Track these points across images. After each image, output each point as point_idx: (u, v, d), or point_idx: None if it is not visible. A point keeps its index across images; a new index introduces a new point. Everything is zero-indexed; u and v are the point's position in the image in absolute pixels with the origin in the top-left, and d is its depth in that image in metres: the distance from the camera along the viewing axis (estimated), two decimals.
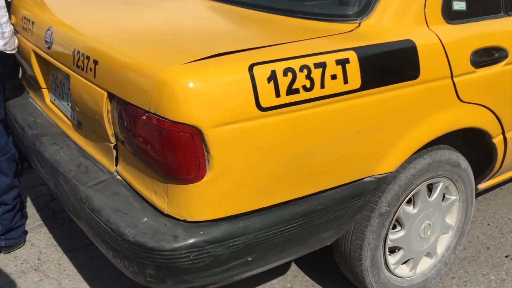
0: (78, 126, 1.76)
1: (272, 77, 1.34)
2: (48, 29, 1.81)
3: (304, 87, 1.38)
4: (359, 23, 1.59)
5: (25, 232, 2.32)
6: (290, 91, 1.36)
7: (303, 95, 1.38)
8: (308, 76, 1.39)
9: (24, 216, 2.32)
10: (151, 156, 1.35)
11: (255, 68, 1.32)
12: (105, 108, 1.49)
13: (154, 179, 1.41)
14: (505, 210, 2.53)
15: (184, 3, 2.06)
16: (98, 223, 1.43)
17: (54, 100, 1.98)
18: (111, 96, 1.47)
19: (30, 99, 2.22)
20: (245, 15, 1.80)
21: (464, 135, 1.91)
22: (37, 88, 2.11)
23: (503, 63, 1.82)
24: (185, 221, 1.36)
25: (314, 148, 1.45)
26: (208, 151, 1.29)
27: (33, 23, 1.98)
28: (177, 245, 1.31)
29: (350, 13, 1.62)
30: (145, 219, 1.38)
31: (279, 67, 1.35)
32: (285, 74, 1.35)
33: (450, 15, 1.73)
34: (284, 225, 1.46)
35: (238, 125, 1.30)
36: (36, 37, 1.94)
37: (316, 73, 1.40)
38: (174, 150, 1.29)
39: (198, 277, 1.38)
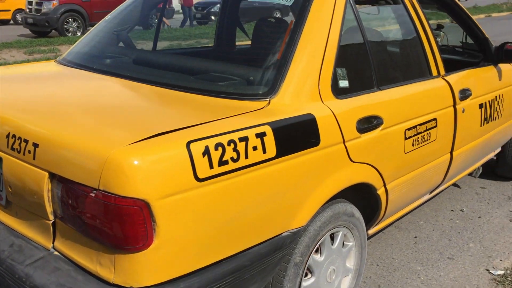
0: (6, 206, 1.77)
1: (206, 151, 1.54)
2: None
3: (232, 158, 1.61)
4: (269, 101, 1.87)
5: None
6: (221, 162, 1.58)
7: (231, 166, 1.60)
8: (235, 149, 1.62)
9: None
10: (98, 230, 1.45)
11: (192, 145, 1.52)
12: (46, 187, 1.56)
13: (99, 251, 1.50)
14: (389, 250, 2.94)
15: (108, 82, 2.18)
16: None
17: None
18: (52, 176, 1.56)
19: None
20: (168, 94, 1.98)
21: (356, 189, 2.25)
22: None
23: (380, 128, 2.23)
24: None
25: (242, 210, 1.67)
26: (154, 221, 1.44)
27: None
28: None
29: (261, 92, 1.91)
30: None
31: (211, 143, 1.56)
32: (216, 148, 1.57)
33: (338, 92, 2.09)
34: (219, 282, 1.63)
35: (180, 196, 1.48)
36: None
37: (241, 146, 1.64)
38: (124, 223, 1.41)
39: None
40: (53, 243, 1.64)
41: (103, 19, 2.76)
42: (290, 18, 2.23)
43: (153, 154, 1.44)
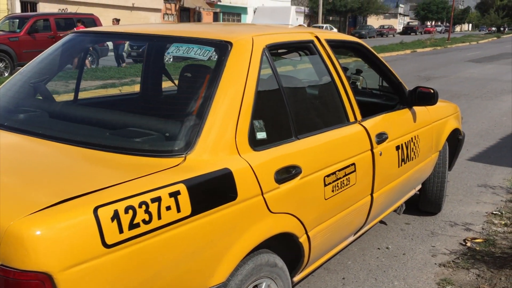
0: None
1: (115, 216, 1.51)
2: None
3: (143, 220, 1.58)
4: (185, 157, 1.87)
5: None
6: (132, 226, 1.55)
7: (143, 228, 1.58)
8: (147, 211, 1.59)
9: None
10: None
11: (99, 210, 1.48)
12: None
13: None
14: None
15: (16, 141, 2.08)
16: None
17: None
18: None
19: None
20: (81, 154, 1.92)
21: (278, 238, 2.27)
22: None
23: (299, 177, 2.27)
24: None
25: (156, 273, 1.63)
26: None
27: None
28: None
29: (177, 148, 1.90)
30: None
31: (121, 206, 1.53)
32: (126, 211, 1.54)
33: (255, 144, 2.12)
34: None
35: (86, 265, 1.43)
36: None
37: (153, 207, 1.61)
38: None
39: None
40: None
41: (18, 71, 2.67)
42: (210, 70, 2.25)
43: (56, 223, 1.39)
